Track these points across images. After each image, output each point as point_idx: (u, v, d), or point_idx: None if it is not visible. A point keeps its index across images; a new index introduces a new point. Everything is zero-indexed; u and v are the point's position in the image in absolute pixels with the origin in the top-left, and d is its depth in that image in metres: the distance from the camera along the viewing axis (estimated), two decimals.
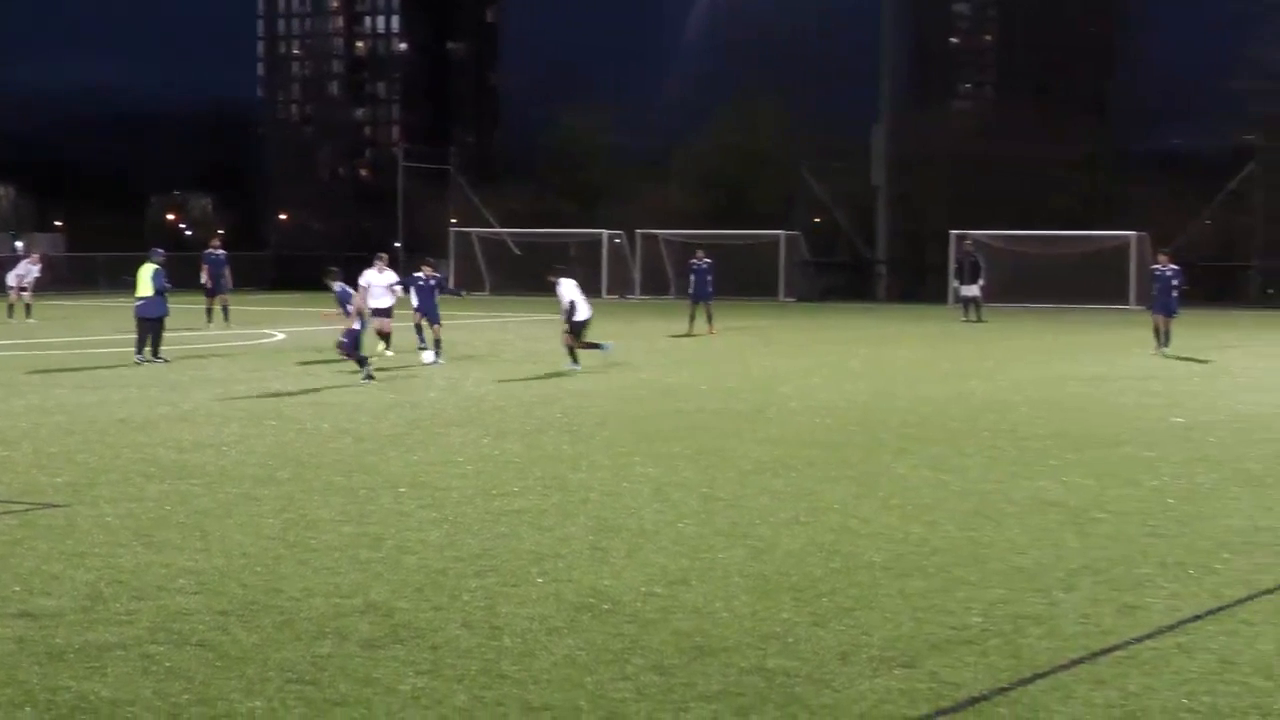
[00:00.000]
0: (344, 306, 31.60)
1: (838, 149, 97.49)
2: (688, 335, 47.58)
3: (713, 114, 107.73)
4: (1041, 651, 10.94)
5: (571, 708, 9.60)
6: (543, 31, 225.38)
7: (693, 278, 50.81)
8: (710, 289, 50.27)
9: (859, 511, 16.38)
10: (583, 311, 34.70)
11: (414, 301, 37.58)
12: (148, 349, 35.10)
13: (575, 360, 34.40)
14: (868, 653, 10.85)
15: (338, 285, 32.01)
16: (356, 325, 31.33)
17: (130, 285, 37.25)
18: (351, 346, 31.23)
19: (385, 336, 38.20)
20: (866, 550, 14.31)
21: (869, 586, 12.86)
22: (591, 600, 12.31)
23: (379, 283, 38.29)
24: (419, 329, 37.33)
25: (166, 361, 34.99)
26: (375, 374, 31.06)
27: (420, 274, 37.97)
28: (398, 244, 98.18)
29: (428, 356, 34.72)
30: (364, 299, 37.70)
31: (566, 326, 34.68)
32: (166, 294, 35.96)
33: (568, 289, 34.93)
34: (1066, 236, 75.91)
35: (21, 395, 28.09)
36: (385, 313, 38.27)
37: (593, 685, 10.06)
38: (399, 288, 38.89)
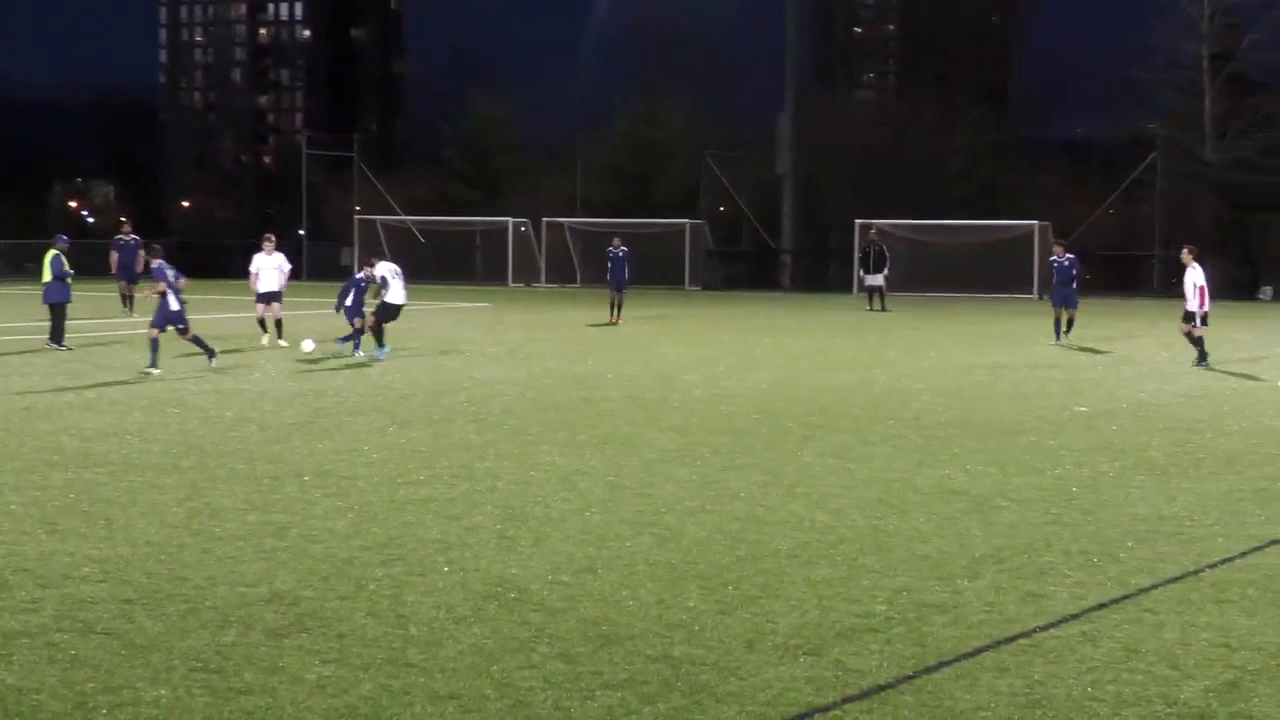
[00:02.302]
0: (167, 284, 30.47)
1: (742, 138, 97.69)
2: (611, 324, 47.41)
3: (618, 103, 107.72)
4: (946, 639, 11.03)
5: (478, 696, 9.61)
6: (447, 18, 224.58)
7: (610, 265, 50.58)
8: (626, 277, 50.15)
9: (765, 500, 16.44)
10: (396, 295, 34.91)
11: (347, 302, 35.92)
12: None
13: (382, 344, 34.30)
14: (773, 640, 10.91)
15: (156, 262, 31.08)
16: (175, 306, 30.41)
17: (34, 272, 36.96)
18: (160, 325, 30.34)
19: (277, 324, 37.90)
20: (773, 538, 14.37)
21: (775, 574, 12.92)
22: (498, 589, 12.32)
23: (268, 265, 38.02)
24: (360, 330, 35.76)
25: (69, 349, 34.79)
26: (153, 372, 29.76)
27: (360, 274, 36.48)
28: (301, 231, 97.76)
29: (307, 345, 33.78)
30: (255, 283, 38.18)
31: (375, 308, 34.62)
32: (68, 280, 35.80)
33: (384, 269, 35.41)
34: (969, 226, 76.39)
35: None
36: (275, 297, 37.98)
37: (499, 673, 10.07)
38: (288, 270, 38.54)
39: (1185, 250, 35.21)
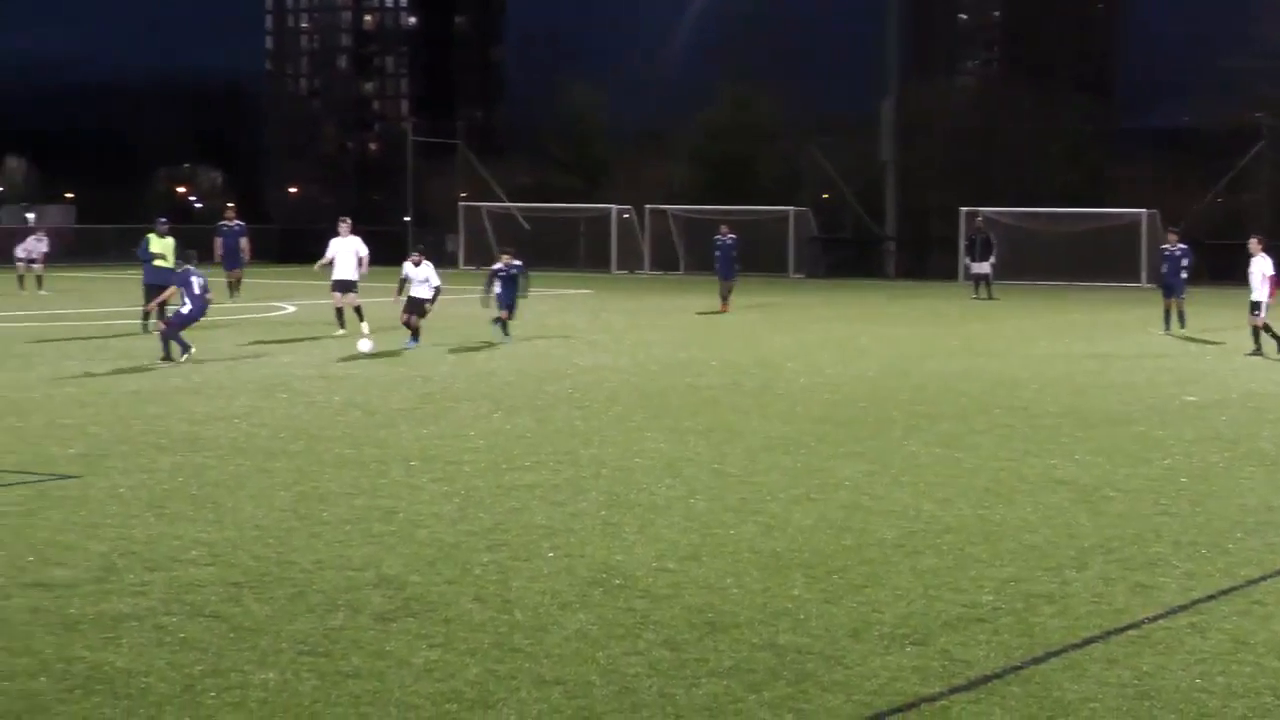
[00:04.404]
0: (186, 290, 29.71)
1: (843, 123, 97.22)
2: (720, 312, 47.07)
3: (718, 88, 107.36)
4: (1054, 630, 10.95)
5: (583, 682, 9.62)
6: (547, 4, 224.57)
7: (718, 254, 50.11)
8: (736, 265, 49.78)
9: (871, 488, 16.38)
10: (419, 289, 33.90)
11: (496, 291, 35.46)
12: (154, 317, 35.29)
13: (415, 338, 33.37)
14: (879, 630, 10.87)
15: (185, 268, 30.45)
16: (186, 310, 29.68)
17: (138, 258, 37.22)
18: (176, 328, 29.52)
19: (357, 311, 35.65)
20: (878, 527, 14.32)
21: (881, 564, 12.87)
22: (603, 575, 12.32)
23: (344, 250, 36.68)
24: (502, 323, 35.29)
25: (149, 333, 35.17)
26: (173, 361, 28.93)
27: (499, 265, 35.86)
28: (406, 218, 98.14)
29: (365, 345, 31.64)
30: (328, 266, 36.82)
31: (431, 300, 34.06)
32: (157, 263, 35.98)
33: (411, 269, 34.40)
34: (1075, 214, 75.70)
35: (33, 367, 28.10)
36: (350, 286, 36.44)
37: (604, 660, 10.08)
38: (365, 255, 36.80)
39: (1254, 239, 34.82)
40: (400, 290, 34.14)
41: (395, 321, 34.04)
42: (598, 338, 36.33)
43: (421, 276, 33.73)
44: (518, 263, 36.06)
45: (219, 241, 50.96)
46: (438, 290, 34.14)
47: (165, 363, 28.58)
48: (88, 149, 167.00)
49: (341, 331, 35.28)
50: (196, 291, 29.63)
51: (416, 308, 33.63)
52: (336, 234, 37.02)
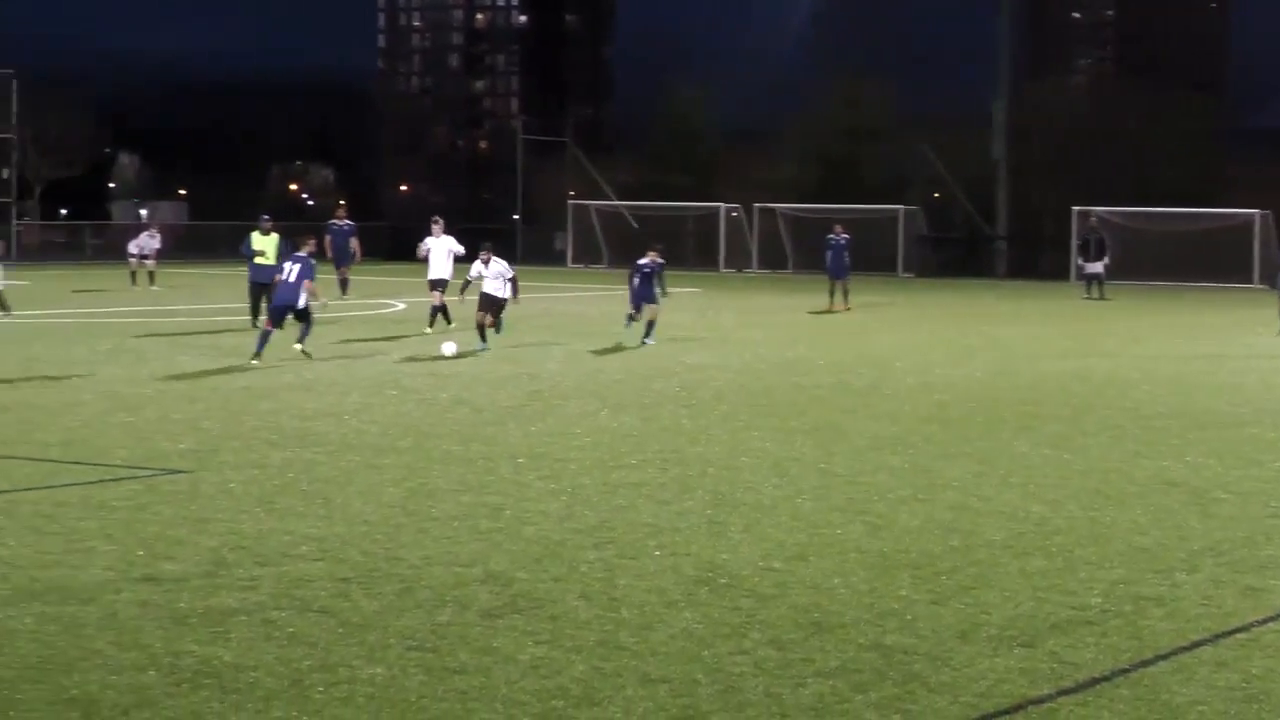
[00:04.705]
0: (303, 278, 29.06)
1: (951, 121, 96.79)
2: (828, 311, 46.79)
3: (826, 87, 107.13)
4: (1163, 633, 10.87)
5: (689, 681, 9.62)
6: (657, 3, 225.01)
7: (829, 253, 49.70)
8: (847, 264, 49.43)
9: (979, 489, 16.30)
10: (491, 285, 32.29)
11: (633, 284, 34.49)
12: (263, 316, 35.70)
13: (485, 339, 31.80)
14: (987, 631, 10.81)
15: (303, 252, 29.74)
16: (301, 302, 28.89)
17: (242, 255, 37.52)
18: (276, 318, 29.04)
19: (443, 310, 35.68)
20: (986, 528, 14.25)
21: (989, 565, 12.80)
22: (709, 574, 12.32)
23: (437, 249, 36.38)
24: (641, 321, 34.17)
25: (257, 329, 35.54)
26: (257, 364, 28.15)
27: (645, 260, 34.73)
28: (515, 216, 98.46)
29: (448, 348, 30.31)
30: (423, 259, 36.39)
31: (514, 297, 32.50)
32: (259, 260, 36.27)
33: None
34: (1187, 214, 75.03)
35: (146, 362, 28.39)
36: (441, 285, 36.02)
37: (710, 659, 10.07)
38: (460, 253, 36.04)
39: None
40: (465, 290, 33.48)
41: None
42: (705, 336, 36.33)
43: (493, 273, 32.28)
44: (661, 260, 35.33)
45: (329, 240, 51.15)
46: (513, 281, 32.44)
47: (255, 360, 28.16)
48: (201, 146, 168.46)
49: (429, 330, 35.14)
50: (288, 278, 29.09)
51: (492, 306, 32.18)
52: (429, 234, 36.96)
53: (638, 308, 34.35)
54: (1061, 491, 16.25)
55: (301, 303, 28.78)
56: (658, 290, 34.54)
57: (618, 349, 32.60)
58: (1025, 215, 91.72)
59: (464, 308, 33.88)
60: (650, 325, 34.14)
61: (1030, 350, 34.13)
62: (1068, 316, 47.70)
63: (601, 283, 66.66)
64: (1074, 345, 35.80)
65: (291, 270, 29.01)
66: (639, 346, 32.84)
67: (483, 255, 32.26)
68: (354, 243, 50.14)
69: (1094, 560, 13.03)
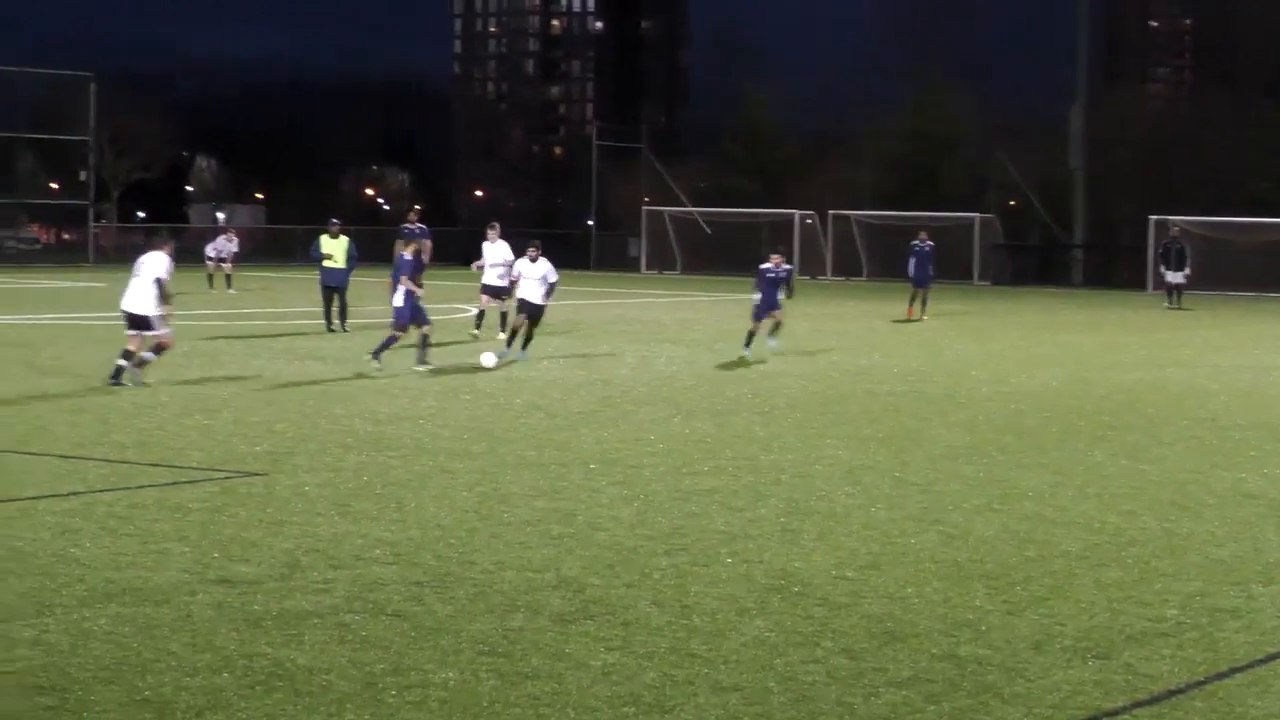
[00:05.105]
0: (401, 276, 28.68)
1: (1027, 129, 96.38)
2: (909, 319, 46.35)
3: (902, 94, 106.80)
4: (1239, 646, 10.79)
5: (761, 689, 9.60)
6: (732, 7, 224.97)
7: (913, 260, 49.22)
8: (931, 272, 49.10)
9: (1054, 499, 16.21)
10: (528, 291, 30.93)
11: (755, 296, 33.16)
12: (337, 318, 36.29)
13: (522, 346, 30.76)
14: (1061, 643, 10.76)
15: (407, 254, 29.26)
16: (398, 300, 28.48)
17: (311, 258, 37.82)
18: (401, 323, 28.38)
19: (503, 317, 34.79)
20: (1062, 539, 14.17)
21: (1064, 576, 12.73)
22: (782, 582, 12.30)
23: (494, 256, 35.47)
24: (764, 328, 32.95)
25: (338, 331, 35.82)
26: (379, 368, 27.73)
27: (769, 265, 33.41)
28: (590, 221, 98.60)
29: (488, 359, 28.83)
30: (481, 271, 35.51)
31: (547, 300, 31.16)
32: (326, 264, 36.64)
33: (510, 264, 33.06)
34: (1267, 223, 74.47)
35: (222, 365, 28.55)
36: (498, 292, 35.26)
37: (782, 667, 10.05)
38: (513, 260, 33.45)
39: None
40: (511, 287, 32.78)
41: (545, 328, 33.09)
42: (778, 343, 36.26)
43: (538, 274, 30.85)
44: (787, 265, 34.21)
45: (399, 244, 51.26)
46: (553, 287, 31.12)
47: (374, 360, 27.85)
48: (278, 149, 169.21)
49: (476, 333, 34.99)
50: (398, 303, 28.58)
51: (530, 312, 30.86)
52: (485, 239, 36.42)
53: (759, 318, 32.78)
54: (1137, 502, 16.15)
55: (398, 300, 28.41)
56: (782, 296, 33.29)
57: (694, 357, 32.54)
58: (1102, 224, 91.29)
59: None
60: (776, 327, 33.16)
61: (1107, 360, 33.94)
62: (1145, 326, 47.44)
63: (675, 288, 66.71)
64: (1151, 355, 35.59)
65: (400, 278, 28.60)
66: (753, 358, 31.56)
67: (531, 252, 31.19)
68: (427, 245, 50.24)
69: (1170, 572, 12.95)
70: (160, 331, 25.09)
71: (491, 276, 35.44)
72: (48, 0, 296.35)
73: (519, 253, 32.58)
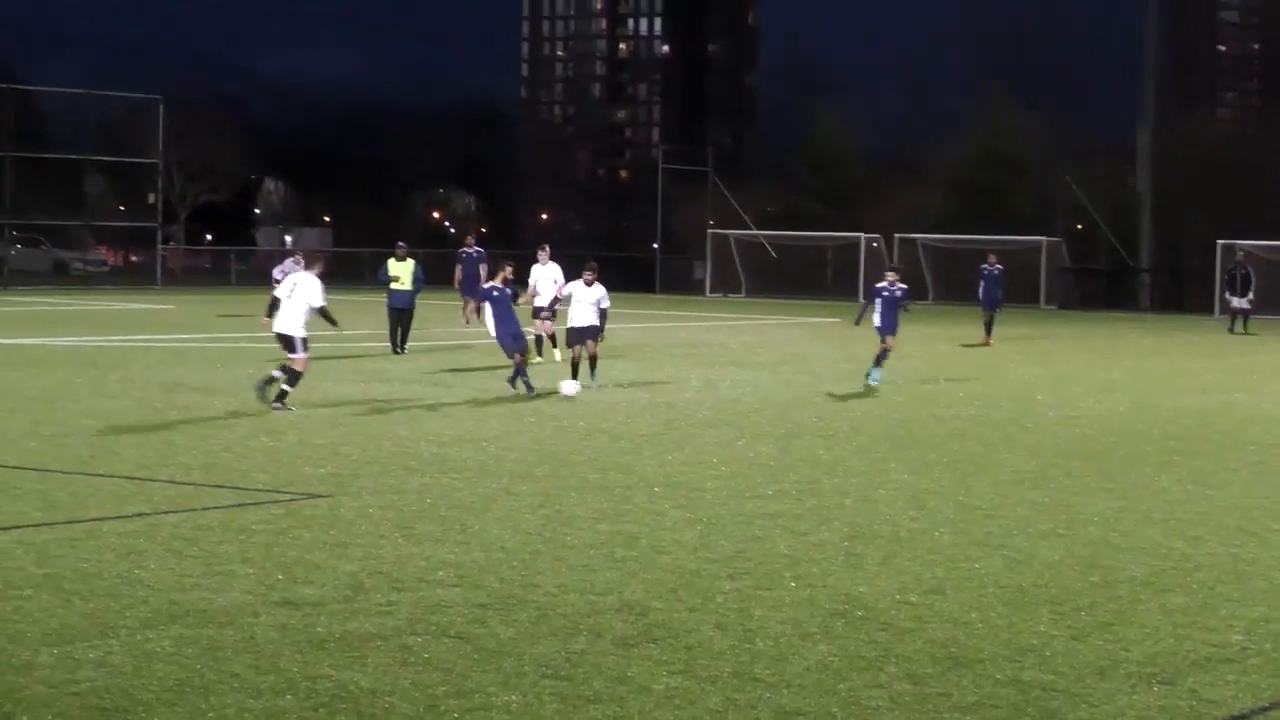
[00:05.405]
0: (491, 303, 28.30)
1: (1095, 151, 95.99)
2: (984, 344, 45.97)
3: (970, 116, 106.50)
4: None
5: (824, 714, 9.58)
6: (801, 30, 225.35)
7: (983, 284, 48.81)
8: (1000, 295, 48.54)
9: (1120, 525, 16.13)
10: (579, 315, 29.57)
11: (876, 319, 31.96)
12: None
13: (592, 373, 29.62)
14: (1126, 668, 10.70)
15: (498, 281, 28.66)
16: (491, 329, 28.20)
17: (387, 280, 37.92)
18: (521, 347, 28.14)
19: (551, 338, 34.54)
20: (1127, 564, 14.10)
21: (1129, 601, 12.67)
22: (845, 606, 12.27)
23: (544, 278, 34.18)
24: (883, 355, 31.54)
25: (398, 353, 36.05)
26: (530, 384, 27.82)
27: (884, 283, 32.44)
28: (655, 244, 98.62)
29: (569, 387, 27.70)
30: (533, 295, 33.74)
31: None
32: (394, 287, 36.82)
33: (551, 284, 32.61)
34: None
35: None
36: (548, 313, 34.33)
37: (846, 692, 10.02)
38: (563, 283, 32.75)
39: None
40: (553, 305, 32.14)
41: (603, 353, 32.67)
42: (843, 367, 36.18)
43: (593, 298, 29.64)
44: (903, 285, 32.56)
45: (458, 268, 51.25)
46: (605, 314, 29.97)
47: (515, 385, 27.78)
48: (345, 172, 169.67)
49: (539, 360, 33.44)
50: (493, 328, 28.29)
51: (586, 337, 29.51)
52: (536, 261, 35.23)
53: (889, 334, 31.36)
54: (1203, 527, 16.06)
55: (495, 329, 28.16)
56: (900, 316, 31.86)
57: (758, 380, 32.49)
58: (1170, 247, 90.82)
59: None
60: (883, 355, 31.44)
61: (1173, 384, 33.77)
62: (1211, 351, 47.16)
63: (739, 312, 66.66)
64: (1217, 380, 35.39)
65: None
66: (867, 388, 30.53)
67: (587, 275, 29.85)
68: (484, 270, 50.35)
69: (1235, 598, 12.87)
70: (299, 355, 25.20)
71: (544, 300, 34.30)
72: (119, 22, 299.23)
73: (571, 276, 31.93)
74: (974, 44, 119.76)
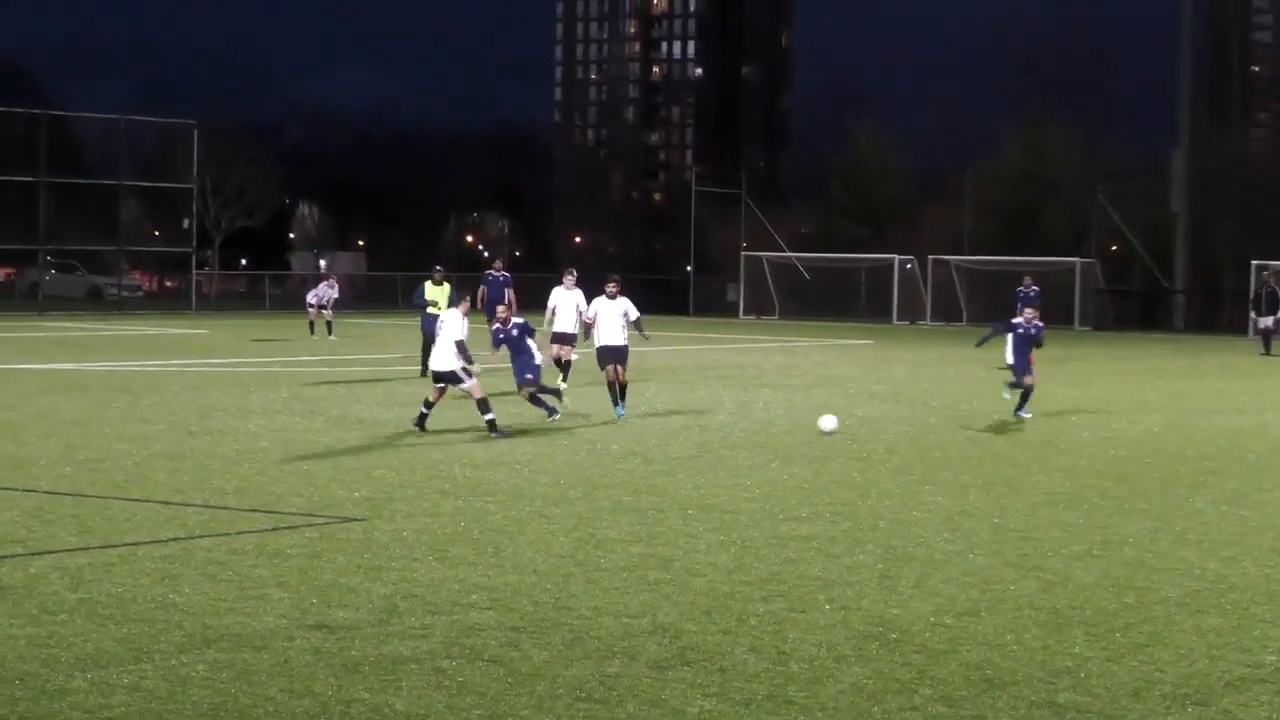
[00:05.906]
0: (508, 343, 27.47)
1: (1130, 172, 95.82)
2: None
3: (1004, 137, 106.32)
4: None
5: None
6: (835, 52, 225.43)
7: (1019, 306, 48.48)
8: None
9: (1154, 546, 16.09)
10: (606, 334, 29.15)
11: (1009, 357, 29.86)
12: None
13: (616, 402, 28.81)
14: (1160, 690, 10.67)
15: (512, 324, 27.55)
16: (538, 359, 27.39)
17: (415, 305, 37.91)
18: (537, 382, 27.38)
19: (566, 365, 33.68)
20: (1161, 585, 14.06)
21: (1164, 622, 12.63)
22: (879, 629, 12.25)
23: (565, 302, 33.48)
24: (1015, 387, 29.64)
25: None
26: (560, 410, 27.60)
27: (1021, 319, 30.37)
28: (689, 267, 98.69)
29: (828, 422, 26.30)
30: (551, 319, 33.57)
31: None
32: (427, 310, 36.57)
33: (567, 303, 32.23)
34: None
35: (322, 411, 28.73)
36: (571, 339, 33.47)
37: (880, 714, 10.01)
38: (585, 310, 31.35)
39: None
40: (586, 335, 30.76)
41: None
42: (877, 389, 36.17)
43: (618, 311, 28.99)
44: (1039, 323, 30.41)
45: (483, 290, 51.22)
46: (637, 324, 29.17)
47: (550, 417, 27.26)
48: (379, 196, 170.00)
49: (564, 384, 32.04)
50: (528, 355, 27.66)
51: (616, 360, 28.86)
52: (561, 284, 34.40)
53: (1026, 374, 29.28)
54: (1237, 548, 16.01)
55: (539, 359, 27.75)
56: (1032, 354, 29.84)
57: (792, 402, 32.48)
58: (1205, 268, 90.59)
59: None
60: (1026, 395, 29.46)
61: (1208, 405, 33.68)
62: (1246, 372, 47.03)
63: (773, 334, 66.65)
64: (1252, 401, 35.29)
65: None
66: (1017, 420, 29.17)
67: (609, 288, 29.27)
68: (510, 294, 50.43)
69: (1269, 618, 12.83)
70: (468, 384, 25.52)
71: (563, 324, 33.75)
72: (155, 48, 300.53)
73: (592, 295, 31.15)
74: (1008, 63, 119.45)
